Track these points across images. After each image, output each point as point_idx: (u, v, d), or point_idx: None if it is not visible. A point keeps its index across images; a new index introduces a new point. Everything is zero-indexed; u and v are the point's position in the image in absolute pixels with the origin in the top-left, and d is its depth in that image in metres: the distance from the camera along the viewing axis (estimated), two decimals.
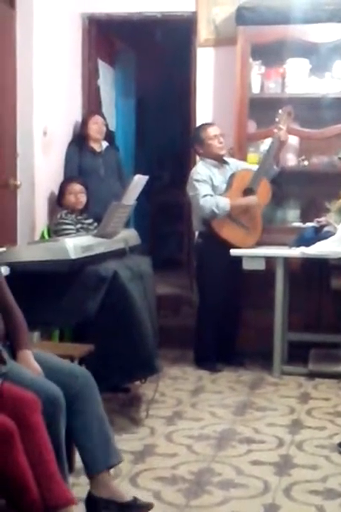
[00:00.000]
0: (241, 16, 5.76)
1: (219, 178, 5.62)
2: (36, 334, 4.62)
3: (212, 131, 5.64)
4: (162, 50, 8.33)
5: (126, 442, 4.02)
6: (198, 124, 5.96)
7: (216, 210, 5.44)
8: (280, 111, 5.56)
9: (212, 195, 5.49)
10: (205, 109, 6.21)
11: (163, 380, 4.88)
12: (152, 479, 3.55)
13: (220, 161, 5.67)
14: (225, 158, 5.70)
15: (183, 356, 5.88)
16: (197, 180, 5.56)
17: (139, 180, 4.73)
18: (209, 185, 5.55)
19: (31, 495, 2.64)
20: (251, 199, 5.56)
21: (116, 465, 3.28)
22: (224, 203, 5.47)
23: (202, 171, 5.60)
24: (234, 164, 5.72)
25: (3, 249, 4.24)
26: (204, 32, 6.17)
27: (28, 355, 3.14)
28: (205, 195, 5.48)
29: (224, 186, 5.61)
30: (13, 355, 3.12)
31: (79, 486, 3.38)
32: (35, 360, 3.13)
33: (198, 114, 6.24)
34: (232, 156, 5.85)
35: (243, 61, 5.79)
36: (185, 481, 3.53)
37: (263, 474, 3.62)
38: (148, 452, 3.91)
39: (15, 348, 3.15)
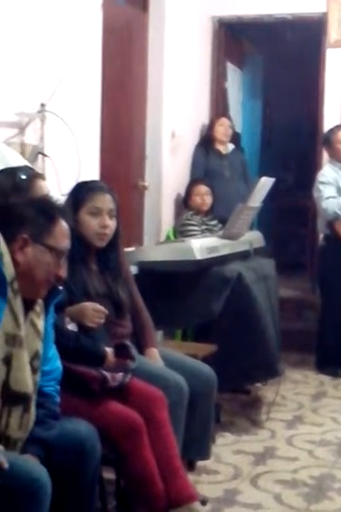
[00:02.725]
0: None
1: None
2: (160, 333, 4.72)
3: None
4: (290, 51, 8.27)
5: (246, 443, 4.06)
6: (325, 125, 5.91)
7: (339, 212, 5.37)
8: None
9: (335, 197, 5.43)
10: (334, 110, 6.14)
11: (284, 384, 4.87)
12: (273, 482, 3.57)
13: None
14: None
15: (305, 360, 5.84)
16: (322, 183, 5.51)
17: (265, 183, 4.74)
18: (334, 188, 5.48)
19: (156, 489, 2.74)
20: None
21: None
22: None
23: (328, 173, 5.55)
24: None
25: (131, 249, 4.35)
26: (334, 33, 6.11)
27: (155, 353, 3.25)
28: (328, 197, 5.43)
29: None
30: (140, 353, 3.23)
31: (200, 484, 3.46)
32: (164, 357, 3.23)
33: (326, 116, 6.18)
34: None
35: None
36: (305, 486, 3.53)
37: None
38: (268, 455, 3.93)
39: (142, 346, 3.27)
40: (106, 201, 3.14)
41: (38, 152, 3.93)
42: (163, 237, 5.50)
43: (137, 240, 5.15)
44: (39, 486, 2.14)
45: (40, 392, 2.43)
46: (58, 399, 2.53)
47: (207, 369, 3.41)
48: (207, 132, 6.10)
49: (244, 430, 4.28)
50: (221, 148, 6.02)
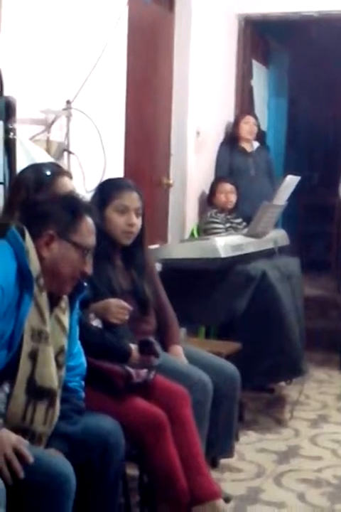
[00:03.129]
0: None
1: None
2: (183, 330, 4.73)
3: None
4: (316, 49, 8.23)
5: (270, 442, 4.05)
6: None
7: None
8: None
9: None
10: None
11: (308, 383, 4.85)
12: (296, 480, 3.56)
13: None
14: None
15: (329, 359, 5.81)
16: None
17: (291, 181, 4.73)
18: None
19: (179, 485, 2.74)
20: None
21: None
22: None
23: None
24: None
25: (156, 246, 4.37)
26: None
27: (179, 350, 3.26)
28: None
29: None
30: (164, 350, 3.23)
31: (223, 481, 3.46)
32: (188, 355, 3.24)
33: None
34: None
35: None
36: (329, 485, 3.52)
37: None
38: (292, 453, 3.92)
39: (166, 343, 3.27)
40: (133, 199, 3.14)
41: (63, 149, 3.95)
42: (187, 235, 5.51)
43: (161, 237, 5.16)
44: (64, 480, 2.16)
45: (65, 388, 2.45)
46: (83, 394, 2.55)
47: (231, 367, 3.41)
48: (232, 130, 6.09)
49: (268, 429, 4.27)
50: (246, 146, 6.01)
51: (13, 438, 2.17)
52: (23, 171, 2.82)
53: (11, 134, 2.98)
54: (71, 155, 3.98)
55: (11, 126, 2.98)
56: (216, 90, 5.98)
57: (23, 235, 2.32)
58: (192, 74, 5.48)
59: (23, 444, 2.18)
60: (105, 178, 3.80)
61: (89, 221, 2.41)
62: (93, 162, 4.16)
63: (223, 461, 3.62)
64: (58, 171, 2.83)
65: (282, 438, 4.15)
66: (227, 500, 3.13)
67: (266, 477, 3.59)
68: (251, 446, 3.99)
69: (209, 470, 2.96)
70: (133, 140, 4.83)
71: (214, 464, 3.58)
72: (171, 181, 5.43)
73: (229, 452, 3.51)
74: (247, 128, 5.98)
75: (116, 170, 4.45)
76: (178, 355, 3.23)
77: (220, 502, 2.80)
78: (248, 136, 6.00)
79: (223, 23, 6.06)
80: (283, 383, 4.81)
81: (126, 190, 3.15)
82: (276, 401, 4.79)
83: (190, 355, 3.28)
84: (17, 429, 2.23)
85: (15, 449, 2.13)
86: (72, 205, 2.40)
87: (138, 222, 3.14)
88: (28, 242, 2.31)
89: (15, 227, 2.35)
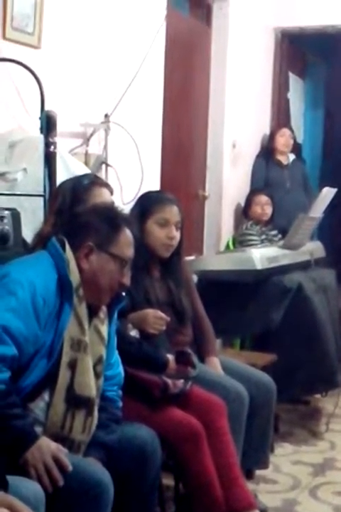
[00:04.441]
0: None
1: None
2: (218, 341, 4.74)
3: None
4: None
5: (305, 454, 4.05)
6: None
7: None
8: None
9: None
10: None
11: None
12: (332, 493, 3.55)
13: None
14: None
15: None
16: None
17: (327, 193, 4.73)
18: None
19: (215, 495, 2.75)
20: None
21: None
22: None
23: None
24: None
25: (192, 258, 4.39)
26: None
27: (216, 361, 3.27)
28: None
29: None
30: (201, 362, 3.25)
31: (258, 493, 3.47)
32: (224, 366, 3.25)
33: None
34: None
35: None
36: None
37: None
38: (328, 466, 3.90)
39: (203, 355, 3.29)
40: (174, 213, 3.17)
41: (101, 162, 4.01)
42: (222, 247, 5.53)
43: (197, 249, 5.19)
44: (102, 489, 2.18)
45: (103, 397, 2.48)
46: (120, 404, 2.58)
47: (267, 379, 3.41)
48: (268, 143, 6.10)
49: (303, 441, 4.26)
50: (282, 158, 6.02)
51: (52, 446, 2.20)
52: (63, 182, 2.87)
53: (52, 147, 3.04)
54: (109, 167, 4.04)
55: (51, 140, 3.03)
56: (252, 103, 6.00)
57: (64, 246, 2.37)
58: (229, 87, 5.51)
59: (63, 452, 2.21)
60: (142, 190, 3.84)
61: (127, 233, 2.44)
62: (130, 174, 4.21)
63: (258, 472, 3.62)
64: (96, 181, 2.87)
65: (317, 450, 4.13)
66: (263, 511, 3.13)
67: (301, 489, 3.59)
68: (286, 458, 3.99)
69: (245, 481, 2.96)
70: (169, 152, 4.88)
71: (249, 475, 3.58)
72: (207, 193, 5.46)
73: (263, 464, 3.50)
74: (283, 141, 6.00)
75: (153, 182, 4.50)
76: (215, 366, 3.25)
77: None
78: (284, 149, 6.01)
79: (260, 37, 6.09)
80: (318, 395, 4.79)
81: (168, 204, 3.17)
82: (312, 413, 4.77)
83: (226, 366, 3.29)
84: (56, 438, 2.26)
85: (55, 457, 2.16)
86: (111, 217, 2.44)
87: (177, 235, 3.17)
88: (68, 253, 2.36)
89: (56, 238, 2.40)
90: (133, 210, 3.22)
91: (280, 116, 6.54)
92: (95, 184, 2.78)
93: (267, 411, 3.37)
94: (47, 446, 2.18)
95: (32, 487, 2.05)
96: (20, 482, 2.01)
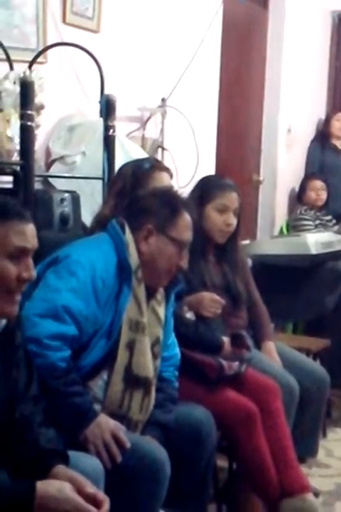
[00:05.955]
0: None
1: None
2: (271, 326, 4.74)
3: None
4: None
5: None
6: None
7: None
8: None
9: None
10: None
11: None
12: None
13: None
14: None
15: None
16: None
17: None
18: None
19: (269, 477, 2.77)
20: None
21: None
22: None
23: None
24: None
25: (246, 242, 4.40)
26: None
27: (272, 346, 3.27)
28: None
29: None
30: (256, 346, 3.28)
31: (311, 477, 3.47)
32: (279, 352, 3.26)
33: None
34: None
35: None
36: None
37: None
38: None
39: (259, 339, 3.30)
40: (233, 200, 3.17)
41: (157, 146, 4.05)
42: (276, 232, 5.52)
43: (251, 233, 5.20)
44: (159, 467, 2.21)
45: (160, 377, 2.51)
46: (176, 384, 2.61)
47: (321, 370, 3.37)
48: (323, 127, 6.05)
49: None
50: (337, 143, 5.97)
51: (111, 423, 2.24)
52: (124, 165, 2.88)
53: (111, 131, 3.08)
54: (165, 151, 4.07)
55: (110, 124, 3.07)
56: (308, 87, 5.96)
57: (123, 229, 2.41)
58: (285, 71, 5.49)
59: (121, 429, 2.25)
60: (197, 174, 3.86)
61: (186, 217, 2.46)
62: (186, 158, 4.24)
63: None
64: (156, 165, 2.89)
65: None
66: (316, 495, 3.13)
67: None
68: (339, 443, 3.97)
69: (299, 464, 2.97)
70: (224, 137, 4.88)
71: (301, 459, 3.58)
72: (261, 178, 5.46)
73: (312, 452, 3.46)
74: (339, 125, 5.94)
75: (208, 166, 4.52)
76: (270, 351, 3.25)
77: (310, 496, 2.81)
78: (339, 134, 5.96)
79: (317, 20, 6.03)
80: None
81: (228, 190, 3.17)
82: None
83: (278, 352, 3.27)
84: (114, 416, 2.29)
85: (114, 434, 2.20)
86: (171, 201, 2.47)
87: (235, 222, 3.17)
88: (128, 236, 2.39)
89: (116, 220, 2.44)
90: (192, 193, 3.21)
91: (336, 100, 6.47)
92: (156, 168, 2.79)
93: (319, 402, 3.33)
94: (106, 423, 2.23)
95: (92, 462, 2.09)
96: (80, 457, 2.06)
